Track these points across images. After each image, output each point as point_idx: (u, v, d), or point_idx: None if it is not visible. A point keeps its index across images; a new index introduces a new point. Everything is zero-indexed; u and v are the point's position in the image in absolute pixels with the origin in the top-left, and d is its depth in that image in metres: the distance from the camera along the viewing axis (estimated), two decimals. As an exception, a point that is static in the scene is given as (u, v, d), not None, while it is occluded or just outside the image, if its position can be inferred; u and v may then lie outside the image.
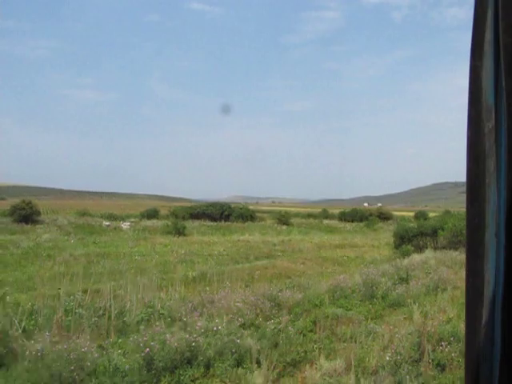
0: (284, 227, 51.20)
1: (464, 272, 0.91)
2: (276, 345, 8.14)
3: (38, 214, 53.81)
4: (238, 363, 7.42)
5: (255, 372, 7.00)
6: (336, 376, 6.89)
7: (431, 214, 54.47)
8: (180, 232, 43.66)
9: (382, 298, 12.30)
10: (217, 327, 8.51)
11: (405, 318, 10.13)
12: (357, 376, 6.73)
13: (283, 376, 7.07)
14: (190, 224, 51.29)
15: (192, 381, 6.90)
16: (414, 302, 10.97)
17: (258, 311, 10.63)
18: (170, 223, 47.37)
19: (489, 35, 0.86)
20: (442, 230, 23.75)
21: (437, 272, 15.42)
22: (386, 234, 45.63)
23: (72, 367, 6.98)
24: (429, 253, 22.62)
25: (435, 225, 24.89)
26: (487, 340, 0.86)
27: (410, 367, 6.77)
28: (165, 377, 6.89)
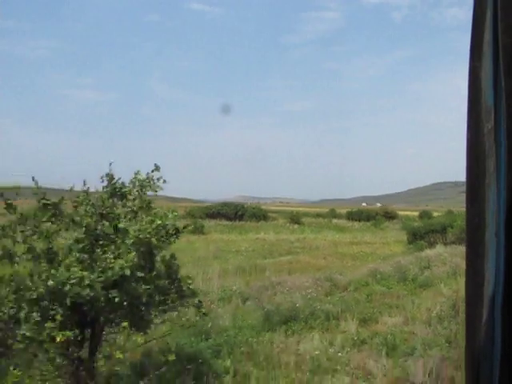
0: (296, 226, 54.27)
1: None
2: (347, 309, 11.16)
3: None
4: (327, 320, 10.45)
5: (343, 324, 10.03)
6: (398, 326, 9.91)
7: (434, 214, 57.71)
8: (199, 231, 46.33)
9: (413, 280, 15.34)
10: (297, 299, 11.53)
11: (435, 293, 13.14)
12: (414, 325, 9.76)
13: (361, 327, 10.08)
14: (207, 223, 54.09)
15: (299, 330, 9.91)
16: (440, 283, 13.99)
17: (320, 289, 13.63)
18: (188, 222, 49.71)
19: (488, 36, 0.87)
20: (451, 227, 26.78)
21: (452, 262, 18.42)
22: (393, 233, 48.48)
23: (209, 325, 9.96)
24: (440, 248, 25.59)
25: (444, 222, 27.96)
26: (487, 339, 0.86)
27: (451, 319, 9.79)
28: (280, 327, 9.91)
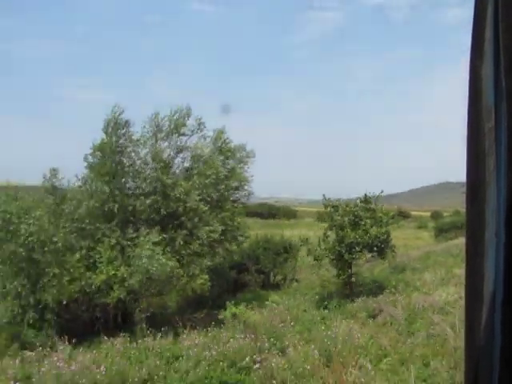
0: (323, 224, 62.30)
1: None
2: (432, 265, 19.39)
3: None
4: (423, 270, 18.67)
5: (434, 271, 18.27)
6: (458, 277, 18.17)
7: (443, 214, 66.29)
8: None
9: (457, 255, 23.56)
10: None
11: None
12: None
13: (445, 273, 18.27)
14: (245, 221, 61.79)
15: (414, 273, 18.14)
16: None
17: (406, 258, 21.86)
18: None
19: (489, 34, 0.87)
20: (471, 224, 35.10)
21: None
22: (410, 231, 56.40)
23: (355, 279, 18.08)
24: (462, 239, 33.92)
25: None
26: (487, 338, 0.87)
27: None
28: (400, 272, 18.13)
